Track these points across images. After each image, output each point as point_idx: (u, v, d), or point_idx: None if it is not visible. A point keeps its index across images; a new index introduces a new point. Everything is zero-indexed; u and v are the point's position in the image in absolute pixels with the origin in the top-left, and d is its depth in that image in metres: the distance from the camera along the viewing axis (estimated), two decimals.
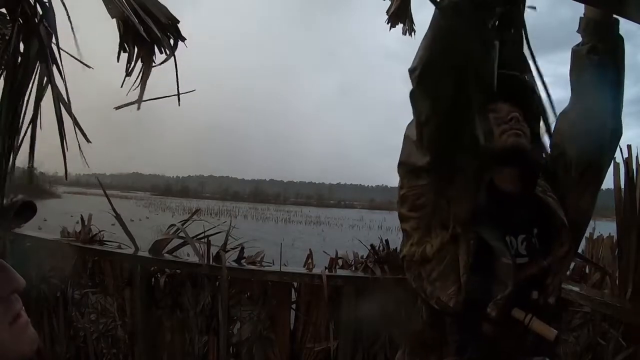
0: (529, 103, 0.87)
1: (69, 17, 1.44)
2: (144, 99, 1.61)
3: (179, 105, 1.53)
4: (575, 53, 0.85)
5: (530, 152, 0.85)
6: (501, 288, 0.80)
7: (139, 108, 1.57)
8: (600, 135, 0.84)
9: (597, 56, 0.82)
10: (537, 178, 0.87)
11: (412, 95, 0.75)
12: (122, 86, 1.59)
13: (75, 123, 1.50)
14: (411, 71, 0.74)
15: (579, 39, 0.86)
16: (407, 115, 0.80)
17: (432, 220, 0.83)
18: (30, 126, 1.56)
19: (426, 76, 0.72)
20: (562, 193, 0.88)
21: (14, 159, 1.60)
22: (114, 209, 1.93)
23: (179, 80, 1.57)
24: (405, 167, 0.85)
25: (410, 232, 0.87)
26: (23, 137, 1.57)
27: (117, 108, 1.51)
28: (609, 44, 0.81)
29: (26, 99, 1.58)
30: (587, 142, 0.84)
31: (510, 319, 0.80)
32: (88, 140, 1.45)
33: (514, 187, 0.87)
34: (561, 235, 0.85)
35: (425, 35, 0.72)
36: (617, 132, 0.87)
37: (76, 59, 1.44)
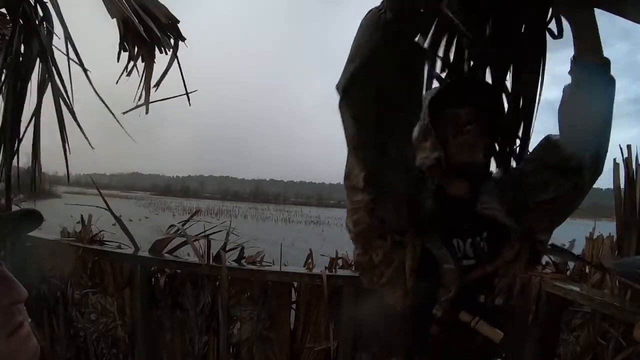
0: (495, 112, 0.87)
1: (63, 21, 1.44)
2: (148, 99, 1.61)
3: (189, 105, 1.54)
4: (565, 92, 0.83)
5: (481, 167, 0.87)
6: (446, 291, 0.82)
7: (147, 112, 1.58)
8: (578, 176, 0.83)
9: (585, 97, 0.80)
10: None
11: (339, 109, 0.73)
12: (117, 82, 1.59)
13: (77, 123, 1.50)
14: (337, 87, 0.71)
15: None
16: None
17: (369, 234, 0.85)
18: (32, 126, 1.56)
19: (349, 92, 0.69)
20: (519, 209, 0.86)
21: (16, 159, 1.60)
22: (111, 211, 1.93)
23: (185, 81, 1.57)
24: (347, 182, 0.85)
25: (355, 244, 0.89)
26: (23, 136, 1.57)
27: (125, 113, 1.52)
28: (599, 86, 0.80)
29: (27, 99, 1.58)
30: (562, 180, 0.83)
31: (458, 321, 0.82)
32: (90, 144, 1.46)
33: (463, 193, 0.88)
34: (511, 239, 0.85)
35: (350, 48, 0.69)
36: (595, 174, 0.85)
37: (74, 61, 1.44)
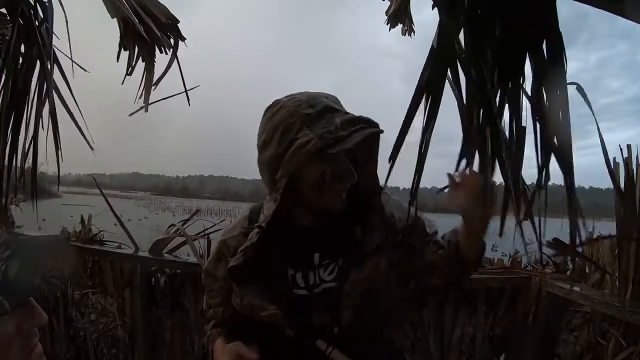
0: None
1: (66, 20, 1.44)
2: (148, 99, 1.61)
3: (189, 105, 1.55)
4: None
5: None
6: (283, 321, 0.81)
7: (146, 110, 1.58)
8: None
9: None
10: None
11: None
12: (122, 83, 1.60)
13: (75, 123, 1.50)
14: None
15: (577, 37, 0.85)
16: (405, 114, 0.79)
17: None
18: (32, 126, 1.56)
19: None
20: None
21: (16, 158, 1.60)
22: (113, 211, 1.93)
23: (184, 81, 1.57)
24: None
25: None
26: (28, 136, 1.57)
27: (131, 115, 1.52)
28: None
29: (27, 99, 1.58)
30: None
31: (316, 350, 0.81)
32: (90, 145, 1.46)
33: (313, 221, 0.86)
34: (363, 260, 0.83)
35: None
36: None
37: (74, 61, 1.44)
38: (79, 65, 1.47)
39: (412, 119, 0.75)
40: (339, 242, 0.84)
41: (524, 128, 0.75)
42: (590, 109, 0.77)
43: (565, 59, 0.72)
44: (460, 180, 0.77)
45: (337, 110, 0.77)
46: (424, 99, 0.76)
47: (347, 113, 0.77)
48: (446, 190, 0.79)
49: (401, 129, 0.75)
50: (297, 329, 0.81)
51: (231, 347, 0.83)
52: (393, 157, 0.74)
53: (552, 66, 0.71)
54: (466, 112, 0.73)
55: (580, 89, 0.75)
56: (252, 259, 0.81)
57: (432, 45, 0.76)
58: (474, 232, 0.81)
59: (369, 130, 0.73)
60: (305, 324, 0.82)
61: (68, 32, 1.43)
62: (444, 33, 0.72)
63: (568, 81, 0.73)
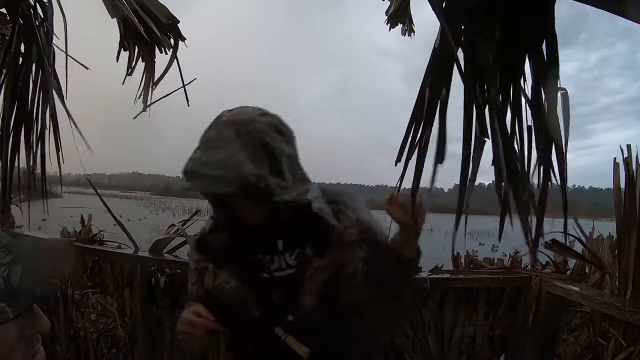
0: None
1: (64, 19, 1.44)
2: (148, 99, 1.61)
3: (188, 105, 1.55)
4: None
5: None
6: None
7: (144, 110, 1.58)
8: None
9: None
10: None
11: None
12: (123, 83, 1.60)
13: (74, 123, 1.50)
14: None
15: (576, 37, 0.86)
16: (406, 113, 0.79)
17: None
18: (35, 126, 1.56)
19: None
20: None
21: (18, 159, 1.60)
22: (111, 212, 1.93)
23: (184, 81, 1.57)
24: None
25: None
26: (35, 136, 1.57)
27: (135, 117, 1.53)
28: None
29: (28, 99, 1.58)
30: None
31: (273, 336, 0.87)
32: (89, 146, 1.46)
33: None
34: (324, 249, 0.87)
35: None
36: None
37: (75, 59, 1.44)
38: (80, 64, 1.47)
39: (420, 122, 0.75)
40: (302, 230, 0.87)
41: (529, 127, 0.75)
42: (568, 117, 0.77)
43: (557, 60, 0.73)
44: (394, 199, 0.85)
45: (207, 146, 0.81)
46: (426, 101, 0.76)
47: (211, 151, 0.80)
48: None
49: (406, 131, 0.75)
50: (262, 310, 0.88)
51: (194, 307, 0.88)
52: (399, 159, 0.76)
53: (551, 67, 0.71)
54: (464, 114, 0.73)
55: (565, 96, 0.75)
56: (226, 245, 0.90)
57: (434, 46, 0.76)
58: (408, 234, 0.87)
59: (195, 184, 0.80)
60: (268, 306, 0.88)
61: (66, 32, 1.43)
62: (444, 35, 0.72)
63: (564, 83, 0.74)
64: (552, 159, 0.74)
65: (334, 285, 0.86)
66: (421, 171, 0.76)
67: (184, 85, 1.57)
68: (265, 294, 0.89)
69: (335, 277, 0.86)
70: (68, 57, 1.44)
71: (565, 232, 0.75)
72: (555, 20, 0.75)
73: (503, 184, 0.76)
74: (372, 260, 0.89)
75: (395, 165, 0.77)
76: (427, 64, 0.77)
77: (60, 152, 1.53)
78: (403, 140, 0.75)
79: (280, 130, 0.82)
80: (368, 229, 0.90)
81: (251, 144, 0.77)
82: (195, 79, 1.61)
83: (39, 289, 0.42)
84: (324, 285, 0.85)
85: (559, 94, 0.72)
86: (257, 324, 0.88)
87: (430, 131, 0.75)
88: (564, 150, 0.72)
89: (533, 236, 0.74)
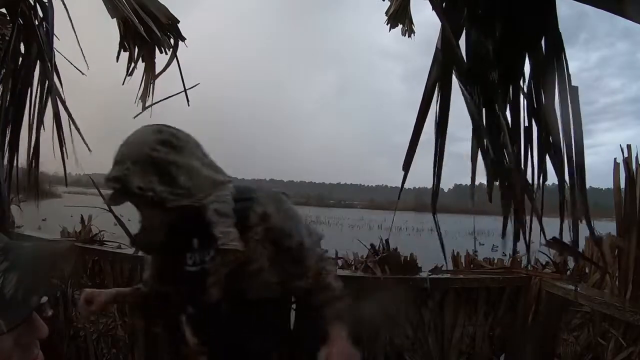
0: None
1: (70, 18, 1.44)
2: (146, 99, 1.61)
3: (188, 106, 1.55)
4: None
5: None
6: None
7: (144, 109, 1.58)
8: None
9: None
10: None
11: None
12: (123, 84, 1.60)
13: (74, 123, 1.50)
14: None
15: (576, 37, 0.86)
16: (406, 113, 0.80)
17: None
18: (33, 126, 1.56)
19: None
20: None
21: (17, 158, 1.60)
22: (112, 212, 1.93)
23: (184, 81, 1.57)
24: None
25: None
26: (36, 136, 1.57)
27: (135, 117, 1.53)
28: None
29: (27, 99, 1.58)
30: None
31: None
32: (88, 146, 1.46)
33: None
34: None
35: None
36: None
37: (71, 62, 1.44)
38: (76, 68, 1.47)
39: (423, 125, 0.76)
40: (206, 229, 0.93)
41: (529, 127, 0.75)
42: (579, 114, 0.76)
43: (566, 60, 0.73)
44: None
45: (113, 163, 0.92)
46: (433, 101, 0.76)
47: (114, 168, 0.91)
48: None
49: (413, 135, 0.76)
50: (174, 302, 1.02)
51: (89, 291, 1.14)
52: (406, 166, 0.77)
53: (552, 65, 0.71)
54: (470, 110, 0.73)
55: (575, 92, 0.75)
56: (149, 243, 1.03)
57: (437, 47, 0.76)
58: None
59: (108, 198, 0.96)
60: (179, 298, 1.02)
61: (74, 30, 1.43)
62: (445, 36, 0.72)
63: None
64: (553, 159, 0.74)
65: (237, 280, 0.93)
66: (440, 177, 0.76)
67: (185, 90, 1.57)
68: (178, 287, 1.01)
69: (237, 273, 0.92)
70: (65, 59, 1.44)
71: (562, 233, 0.74)
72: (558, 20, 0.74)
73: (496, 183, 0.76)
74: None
75: (403, 170, 0.77)
76: (427, 64, 0.77)
77: (64, 149, 1.53)
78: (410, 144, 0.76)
79: (172, 144, 0.91)
80: (275, 229, 0.96)
81: (141, 161, 0.89)
82: (199, 84, 1.62)
83: (36, 297, 0.40)
84: (227, 280, 0.92)
85: (567, 92, 0.72)
86: (169, 314, 1.04)
87: (445, 136, 0.76)
88: (582, 149, 0.73)
89: (527, 236, 0.74)
